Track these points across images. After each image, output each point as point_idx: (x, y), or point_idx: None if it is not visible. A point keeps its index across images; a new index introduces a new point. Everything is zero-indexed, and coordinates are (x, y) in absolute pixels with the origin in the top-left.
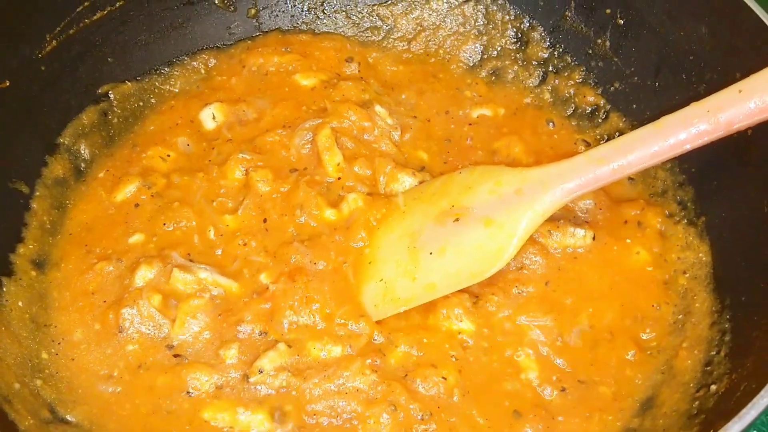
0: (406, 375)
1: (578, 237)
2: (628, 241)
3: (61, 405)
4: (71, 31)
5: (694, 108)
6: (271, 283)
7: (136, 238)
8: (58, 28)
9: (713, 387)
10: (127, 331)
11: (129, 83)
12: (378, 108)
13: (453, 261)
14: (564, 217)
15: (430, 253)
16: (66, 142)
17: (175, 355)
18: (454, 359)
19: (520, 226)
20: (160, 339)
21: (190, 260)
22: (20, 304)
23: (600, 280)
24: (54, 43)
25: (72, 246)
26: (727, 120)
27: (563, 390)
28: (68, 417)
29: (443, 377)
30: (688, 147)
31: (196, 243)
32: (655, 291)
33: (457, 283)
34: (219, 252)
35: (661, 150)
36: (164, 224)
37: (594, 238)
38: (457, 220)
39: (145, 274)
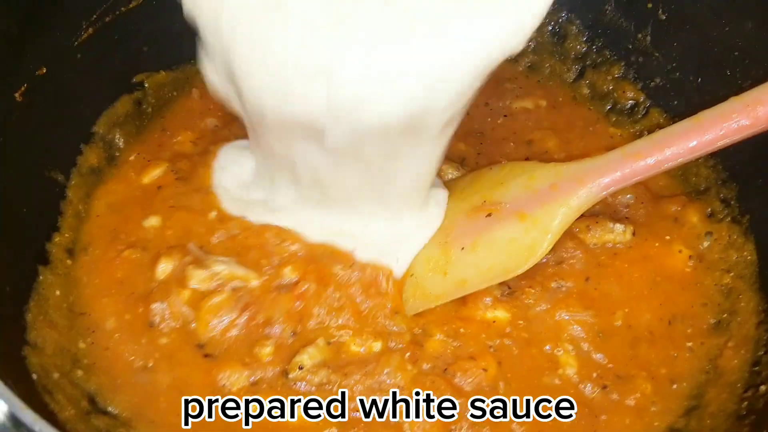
0: (446, 369)
1: (617, 232)
2: (668, 237)
3: (100, 396)
4: (107, 19)
5: (734, 102)
6: (300, 279)
7: (153, 221)
8: (95, 16)
9: (762, 387)
10: (158, 326)
11: (163, 72)
12: None
13: (485, 256)
14: (603, 212)
15: (462, 249)
16: (101, 131)
17: (206, 355)
18: (492, 350)
19: (555, 221)
20: (190, 335)
21: (207, 251)
22: (57, 293)
23: (640, 277)
24: (90, 30)
25: (100, 229)
26: (766, 114)
27: (605, 387)
28: (109, 408)
29: (483, 369)
30: (727, 142)
31: (213, 228)
32: (696, 289)
33: (490, 279)
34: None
35: (699, 145)
36: (183, 206)
37: (634, 234)
38: (489, 215)
39: (165, 268)
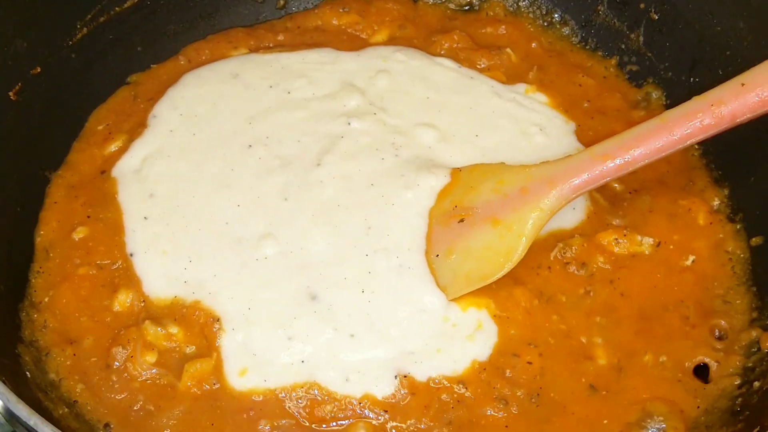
0: (498, 367)
1: (645, 245)
2: (676, 237)
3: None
4: (102, 19)
5: (697, 102)
6: None
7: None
8: (89, 16)
9: (756, 384)
10: (127, 373)
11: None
12: None
13: (461, 263)
14: (630, 225)
15: (437, 256)
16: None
17: None
18: (532, 346)
19: (528, 224)
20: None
21: None
22: (46, 299)
23: (657, 274)
24: (84, 30)
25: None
26: (730, 113)
27: (621, 370)
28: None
29: (529, 362)
30: (694, 141)
31: None
32: (697, 285)
33: (468, 285)
34: None
35: (665, 145)
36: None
37: (659, 245)
38: (461, 220)
39: (123, 299)
